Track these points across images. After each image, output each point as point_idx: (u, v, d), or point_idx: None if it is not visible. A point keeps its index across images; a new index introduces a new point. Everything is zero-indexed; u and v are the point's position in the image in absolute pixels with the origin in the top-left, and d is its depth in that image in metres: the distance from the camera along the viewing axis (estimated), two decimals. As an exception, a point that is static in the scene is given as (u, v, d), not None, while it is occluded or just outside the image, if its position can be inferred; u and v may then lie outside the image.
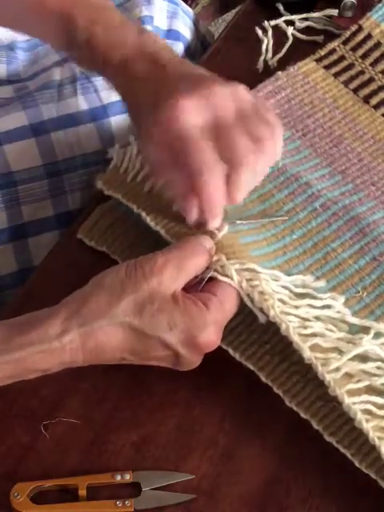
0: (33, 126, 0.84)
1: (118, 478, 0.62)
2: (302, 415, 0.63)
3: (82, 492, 0.62)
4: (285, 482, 0.63)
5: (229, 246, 0.65)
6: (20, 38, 0.94)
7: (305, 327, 0.63)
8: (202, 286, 0.63)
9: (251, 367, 0.65)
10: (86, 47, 0.70)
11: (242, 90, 0.65)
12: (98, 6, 0.73)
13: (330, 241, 0.72)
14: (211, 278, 0.63)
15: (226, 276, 0.62)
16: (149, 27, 0.93)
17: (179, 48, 0.96)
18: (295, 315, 0.63)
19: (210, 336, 0.60)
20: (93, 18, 0.71)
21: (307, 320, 0.63)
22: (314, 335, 0.62)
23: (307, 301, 0.65)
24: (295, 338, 0.61)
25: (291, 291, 0.65)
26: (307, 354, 0.61)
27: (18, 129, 0.83)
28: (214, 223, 0.64)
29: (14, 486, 0.61)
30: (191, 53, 0.98)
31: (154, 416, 0.66)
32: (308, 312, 0.64)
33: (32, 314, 0.61)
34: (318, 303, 0.65)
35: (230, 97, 0.64)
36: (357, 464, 0.61)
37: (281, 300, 0.63)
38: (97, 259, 0.73)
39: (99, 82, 0.88)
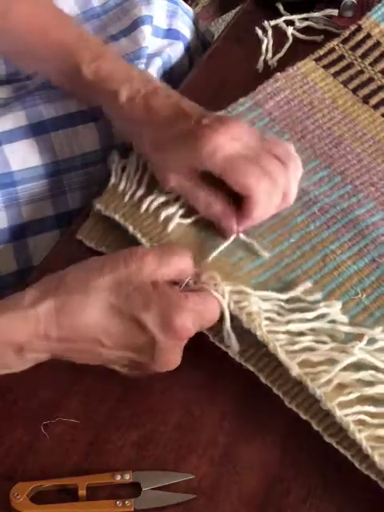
0: (32, 125, 0.84)
1: (118, 477, 0.62)
2: (302, 416, 0.63)
3: (82, 492, 0.62)
4: (285, 481, 0.64)
5: (219, 268, 0.66)
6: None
7: (293, 343, 0.63)
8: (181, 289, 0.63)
9: (251, 368, 0.65)
10: (92, 81, 0.75)
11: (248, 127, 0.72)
12: (96, 41, 0.79)
13: (329, 243, 0.72)
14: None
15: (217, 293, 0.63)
16: (148, 26, 0.93)
17: (179, 47, 0.96)
18: (284, 332, 0.64)
19: (186, 321, 0.60)
20: (97, 51, 0.76)
21: (299, 334, 0.64)
22: (304, 349, 0.63)
23: (297, 315, 0.65)
24: (282, 357, 0.62)
25: (282, 307, 0.66)
26: (296, 371, 0.61)
27: (17, 128, 0.83)
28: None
29: (13, 486, 0.61)
30: (191, 52, 0.98)
31: (154, 416, 0.66)
32: (299, 327, 0.65)
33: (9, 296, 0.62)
34: (311, 315, 0.65)
35: (247, 133, 0.70)
36: (357, 465, 0.61)
37: (269, 318, 0.64)
38: (97, 259, 0.73)
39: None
